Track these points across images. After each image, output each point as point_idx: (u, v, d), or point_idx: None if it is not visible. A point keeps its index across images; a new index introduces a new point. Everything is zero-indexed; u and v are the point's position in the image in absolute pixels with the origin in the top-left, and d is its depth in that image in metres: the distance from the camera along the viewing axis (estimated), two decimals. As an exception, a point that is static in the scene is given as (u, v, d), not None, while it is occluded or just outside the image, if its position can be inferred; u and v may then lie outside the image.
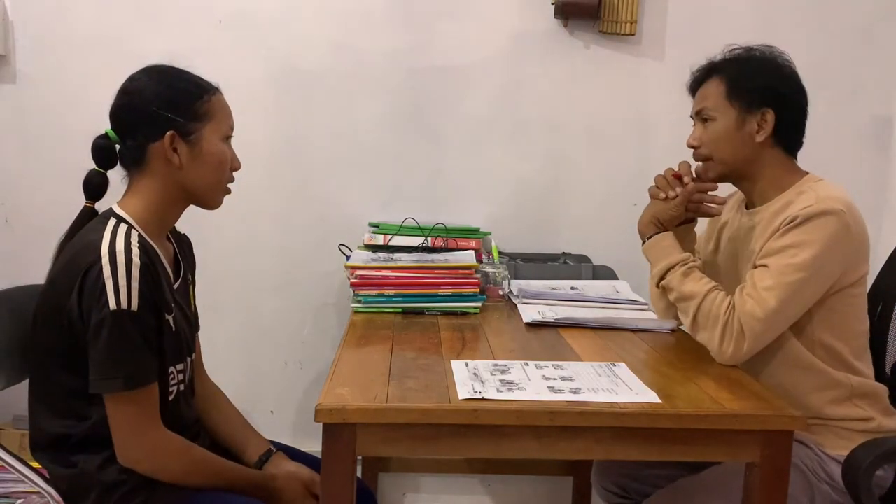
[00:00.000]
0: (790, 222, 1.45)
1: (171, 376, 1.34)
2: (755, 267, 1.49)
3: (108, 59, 2.23)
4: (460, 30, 2.31)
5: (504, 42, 2.32)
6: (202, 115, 1.35)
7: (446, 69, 2.32)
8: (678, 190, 1.60)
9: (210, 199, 1.41)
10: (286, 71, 2.30)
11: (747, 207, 1.64)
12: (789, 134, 1.55)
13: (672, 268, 1.55)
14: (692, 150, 1.61)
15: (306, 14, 2.29)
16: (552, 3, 2.28)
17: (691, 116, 1.63)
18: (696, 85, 1.62)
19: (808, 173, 1.58)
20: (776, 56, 1.58)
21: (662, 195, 1.61)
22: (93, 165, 1.37)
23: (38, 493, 1.30)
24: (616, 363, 1.40)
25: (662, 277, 1.57)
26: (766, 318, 1.41)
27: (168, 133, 1.32)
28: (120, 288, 1.21)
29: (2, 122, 2.28)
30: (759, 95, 1.52)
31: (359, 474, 1.72)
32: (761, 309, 1.41)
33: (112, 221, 1.29)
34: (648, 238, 1.62)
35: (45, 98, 2.27)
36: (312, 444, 1.36)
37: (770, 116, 1.52)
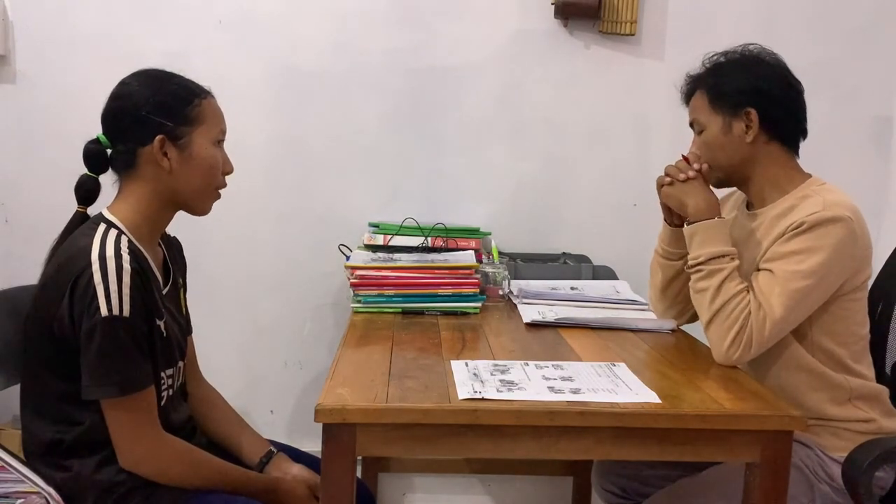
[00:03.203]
0: (796, 228, 1.44)
1: (162, 381, 1.34)
2: (759, 269, 1.48)
3: (108, 60, 2.22)
4: (460, 30, 2.31)
5: (504, 42, 2.32)
6: (192, 120, 1.35)
7: (446, 69, 2.32)
8: (691, 173, 1.56)
9: (199, 203, 1.40)
10: (286, 71, 2.30)
11: (748, 208, 1.63)
12: (781, 127, 1.55)
13: (720, 257, 1.47)
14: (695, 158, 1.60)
15: (306, 14, 2.29)
16: (552, 3, 2.28)
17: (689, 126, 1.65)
18: (686, 99, 1.65)
19: (810, 176, 1.57)
20: (755, 54, 1.58)
21: (682, 176, 1.56)
22: None
23: (37, 493, 1.30)
24: (616, 363, 1.40)
25: (705, 262, 1.48)
26: (772, 327, 1.42)
27: (158, 137, 1.32)
28: (111, 294, 1.20)
29: (2, 122, 2.27)
30: (739, 97, 1.53)
31: (359, 474, 1.72)
32: (770, 319, 1.41)
33: (102, 227, 1.29)
34: (699, 221, 1.52)
35: (45, 98, 2.27)
36: (312, 444, 1.36)
37: (753, 115, 1.52)
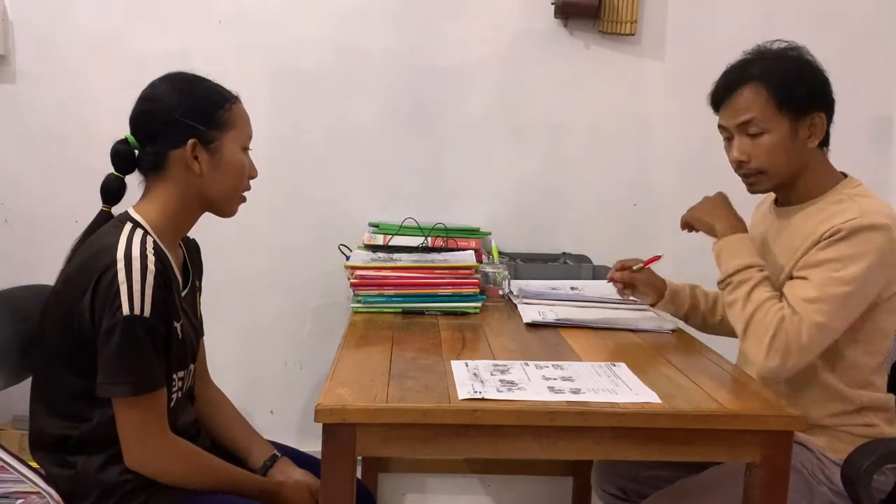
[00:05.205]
0: (832, 235, 1.39)
1: (173, 383, 1.34)
2: (791, 278, 1.45)
3: (108, 59, 2.23)
4: (460, 30, 2.31)
5: (504, 42, 2.32)
6: (223, 124, 1.36)
7: (446, 69, 2.32)
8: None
9: (226, 207, 1.42)
10: (286, 71, 2.30)
11: (778, 203, 1.59)
12: (828, 129, 1.51)
13: (747, 268, 1.44)
14: (738, 164, 1.51)
15: (306, 14, 2.29)
16: (552, 3, 2.28)
17: (724, 127, 1.52)
18: (726, 94, 1.50)
19: (844, 175, 1.53)
20: (806, 53, 1.52)
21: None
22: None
23: (37, 493, 1.30)
24: (616, 363, 1.40)
25: (733, 274, 1.46)
26: (810, 331, 1.36)
27: (190, 141, 1.32)
28: (134, 294, 1.21)
29: (2, 122, 2.27)
30: (809, 101, 1.46)
31: (359, 474, 1.72)
32: (807, 323, 1.36)
33: (128, 226, 1.29)
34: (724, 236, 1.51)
35: (45, 98, 2.26)
36: (312, 445, 1.36)
37: (820, 120, 1.47)
